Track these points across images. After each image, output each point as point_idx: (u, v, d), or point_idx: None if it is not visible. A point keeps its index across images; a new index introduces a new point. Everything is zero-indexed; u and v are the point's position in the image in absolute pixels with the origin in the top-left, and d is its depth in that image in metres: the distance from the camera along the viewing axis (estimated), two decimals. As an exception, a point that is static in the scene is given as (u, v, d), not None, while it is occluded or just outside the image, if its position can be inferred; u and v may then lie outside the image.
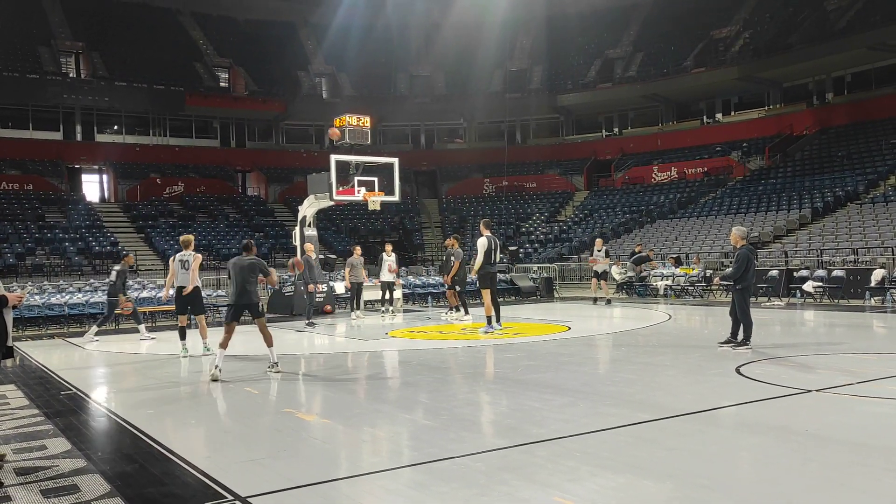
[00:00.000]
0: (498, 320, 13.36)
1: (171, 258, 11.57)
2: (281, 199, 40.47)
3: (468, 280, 17.53)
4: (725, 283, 10.36)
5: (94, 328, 14.36)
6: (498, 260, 13.71)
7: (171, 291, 11.56)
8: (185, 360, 10.86)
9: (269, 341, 9.53)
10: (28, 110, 37.08)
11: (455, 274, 16.16)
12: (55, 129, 38.19)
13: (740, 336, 10.31)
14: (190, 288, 11.16)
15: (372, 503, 4.45)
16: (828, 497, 4.25)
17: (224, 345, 9.34)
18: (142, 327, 14.49)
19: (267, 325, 9.77)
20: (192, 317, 12.89)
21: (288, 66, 44.14)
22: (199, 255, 11.45)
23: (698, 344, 11.59)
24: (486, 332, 13.01)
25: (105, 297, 15.45)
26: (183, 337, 11.41)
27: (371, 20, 43.94)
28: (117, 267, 14.17)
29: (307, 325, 15.66)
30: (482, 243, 13.27)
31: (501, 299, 23.36)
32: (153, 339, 14.12)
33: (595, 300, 20.12)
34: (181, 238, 11.66)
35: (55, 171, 36.57)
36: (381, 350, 12.26)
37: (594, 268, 20.53)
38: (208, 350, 11.14)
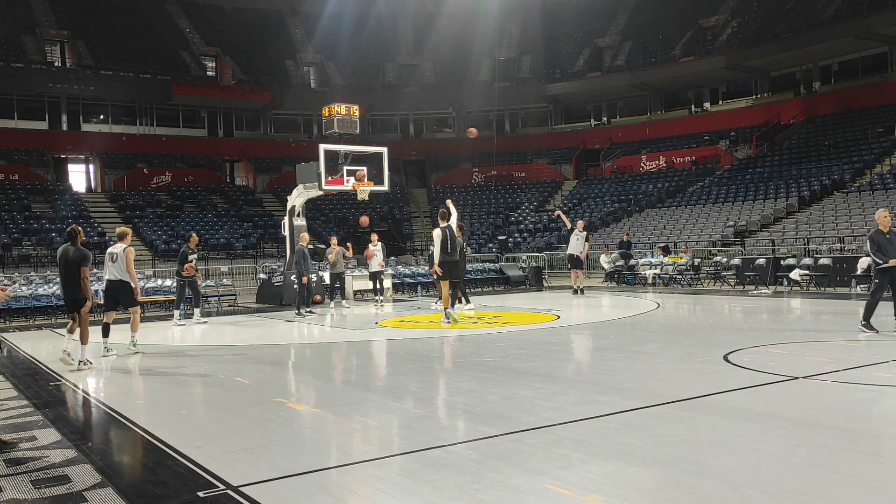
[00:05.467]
0: (452, 305, 13.41)
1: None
2: (269, 188, 40.31)
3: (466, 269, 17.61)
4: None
5: (197, 311, 14.98)
6: (459, 248, 13.65)
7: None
8: (112, 358, 10.35)
9: (83, 339, 9.36)
10: (13, 99, 36.70)
11: None
12: (40, 119, 37.83)
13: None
14: (138, 290, 10.63)
15: (363, 491, 4.46)
16: (816, 482, 4.30)
17: (71, 330, 9.46)
18: (177, 313, 14.79)
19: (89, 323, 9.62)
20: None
21: (276, 56, 43.88)
22: (132, 249, 10.70)
23: (687, 332, 11.67)
24: (444, 323, 12.98)
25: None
26: (106, 335, 10.53)
27: (361, 9, 43.73)
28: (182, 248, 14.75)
29: (297, 314, 15.68)
30: (437, 234, 13.31)
31: (490, 288, 23.51)
32: (206, 322, 14.75)
33: (575, 290, 19.86)
34: (117, 230, 11.09)
35: (41, 161, 36.27)
36: (371, 340, 12.27)
37: (568, 250, 20.12)
38: (134, 345, 10.76)
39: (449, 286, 13.29)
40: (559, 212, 20.91)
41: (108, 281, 10.60)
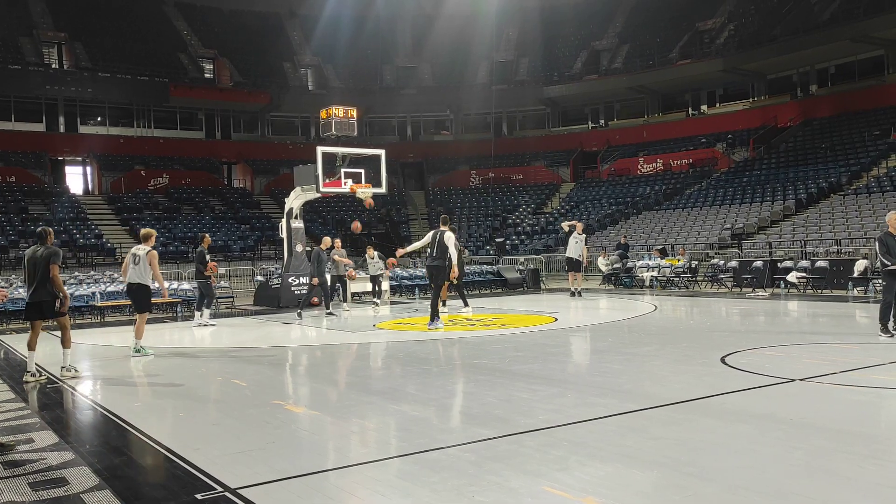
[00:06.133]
0: (451, 304, 13.56)
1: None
2: (267, 190, 40.30)
3: (465, 272, 17.75)
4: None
5: (207, 312, 14.95)
6: (437, 254, 13.31)
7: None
8: (151, 358, 10.50)
9: (66, 343, 8.93)
10: (10, 101, 36.66)
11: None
12: (38, 121, 37.81)
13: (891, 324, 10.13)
14: (165, 292, 10.66)
15: (361, 494, 4.46)
16: (813, 483, 4.31)
17: (31, 345, 8.72)
18: (206, 312, 14.93)
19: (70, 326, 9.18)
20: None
21: (274, 58, 43.89)
22: (155, 253, 10.60)
23: (684, 334, 11.68)
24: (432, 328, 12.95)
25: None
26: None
27: (359, 12, 43.76)
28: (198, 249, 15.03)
29: (298, 315, 15.78)
30: (426, 238, 13.56)
31: (488, 291, 23.52)
32: (213, 325, 14.76)
33: (572, 293, 19.68)
34: (141, 231, 10.98)
35: (38, 163, 36.22)
36: (369, 342, 12.27)
37: (567, 253, 19.93)
38: (137, 352, 10.52)
39: (438, 291, 13.37)
40: (568, 226, 20.72)
41: (128, 284, 10.58)
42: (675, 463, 4.74)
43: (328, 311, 16.29)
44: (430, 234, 13.55)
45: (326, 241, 17.01)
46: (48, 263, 8.61)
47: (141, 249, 10.47)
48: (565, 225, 21.26)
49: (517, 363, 9.01)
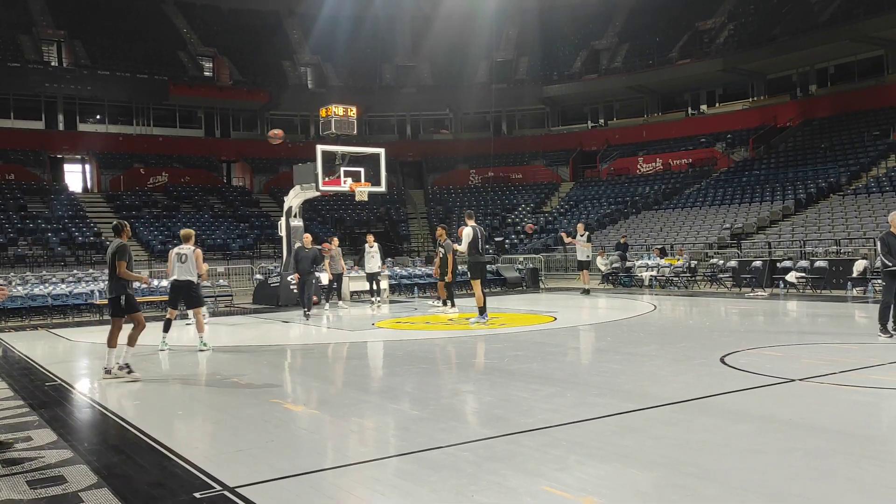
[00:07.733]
0: (484, 312, 13.37)
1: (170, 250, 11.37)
2: (266, 189, 40.27)
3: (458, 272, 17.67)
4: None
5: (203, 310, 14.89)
6: (484, 250, 13.81)
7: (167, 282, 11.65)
8: (165, 353, 10.67)
9: (113, 342, 8.67)
10: (9, 99, 36.60)
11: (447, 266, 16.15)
12: (37, 119, 37.76)
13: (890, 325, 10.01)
14: (205, 277, 11.31)
15: (360, 493, 4.45)
16: (812, 484, 4.30)
17: (113, 343, 8.59)
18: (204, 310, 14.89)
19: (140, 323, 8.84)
20: (189, 310, 12.20)
21: (273, 56, 43.85)
22: (199, 251, 11.05)
23: (684, 334, 11.68)
24: (477, 323, 12.97)
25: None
26: (166, 330, 10.98)
27: (358, 11, 43.73)
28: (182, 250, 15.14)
29: (305, 316, 15.66)
30: (467, 233, 13.37)
31: (487, 290, 23.48)
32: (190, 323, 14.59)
33: (584, 291, 20.20)
34: (181, 232, 11.27)
35: (37, 160, 36.19)
36: (368, 341, 12.26)
37: (577, 257, 20.91)
38: (205, 345, 10.74)
39: (481, 286, 13.31)
40: (568, 238, 21.59)
41: (175, 280, 10.89)
42: (674, 463, 4.73)
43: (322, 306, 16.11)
44: (469, 233, 13.29)
45: (308, 237, 16.74)
46: (114, 259, 8.66)
47: (187, 248, 10.90)
48: (566, 237, 21.82)
49: (516, 362, 9.00)
